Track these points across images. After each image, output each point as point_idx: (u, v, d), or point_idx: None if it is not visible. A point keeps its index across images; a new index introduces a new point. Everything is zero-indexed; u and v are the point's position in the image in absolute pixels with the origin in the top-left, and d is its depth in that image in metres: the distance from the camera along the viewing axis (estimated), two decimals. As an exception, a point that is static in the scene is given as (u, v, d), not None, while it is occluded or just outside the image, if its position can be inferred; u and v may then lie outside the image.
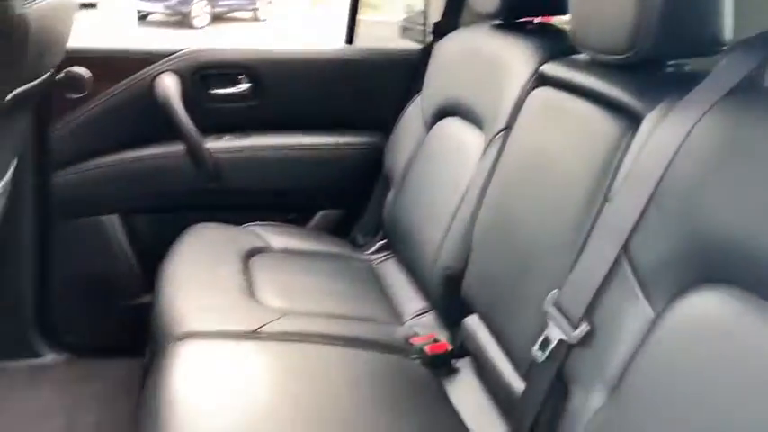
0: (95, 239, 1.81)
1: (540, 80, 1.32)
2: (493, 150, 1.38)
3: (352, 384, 1.21)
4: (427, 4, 2.03)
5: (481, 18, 1.64)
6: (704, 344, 0.79)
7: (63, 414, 1.64)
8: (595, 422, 0.90)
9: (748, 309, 0.75)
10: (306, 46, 2.03)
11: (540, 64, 1.34)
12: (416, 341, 1.37)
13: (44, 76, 1.38)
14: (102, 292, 1.83)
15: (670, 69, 1.09)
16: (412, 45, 2.03)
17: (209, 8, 9.10)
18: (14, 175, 1.49)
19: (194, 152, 1.80)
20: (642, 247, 0.90)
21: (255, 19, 9.34)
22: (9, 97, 1.17)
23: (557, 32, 1.47)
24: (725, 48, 1.00)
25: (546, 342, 0.99)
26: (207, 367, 1.18)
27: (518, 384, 1.10)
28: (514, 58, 1.42)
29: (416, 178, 1.67)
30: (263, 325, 1.30)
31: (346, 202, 1.97)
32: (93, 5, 7.80)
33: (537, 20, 1.55)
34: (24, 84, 1.24)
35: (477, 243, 1.34)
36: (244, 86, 1.85)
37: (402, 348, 1.35)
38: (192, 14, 8.85)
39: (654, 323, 0.86)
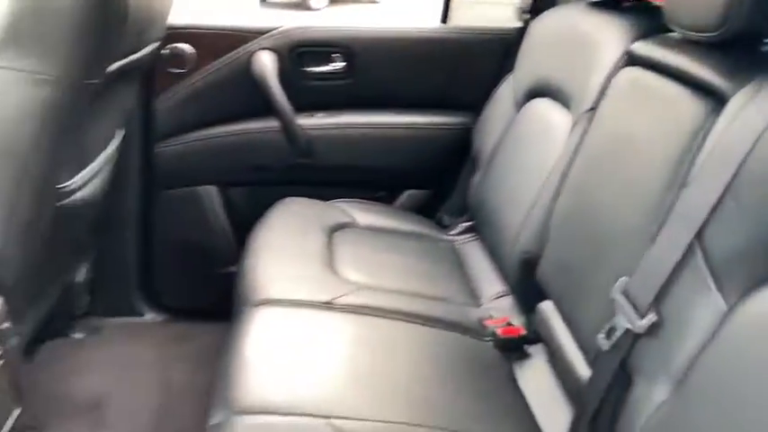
0: (193, 209, 1.90)
1: (630, 59, 1.27)
2: (578, 132, 1.34)
3: (420, 361, 1.22)
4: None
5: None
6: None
7: (158, 369, 1.75)
8: (657, 416, 0.87)
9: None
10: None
11: (631, 43, 1.28)
12: (490, 323, 1.36)
13: (147, 50, 1.46)
14: (198, 258, 1.93)
15: (766, 48, 1.02)
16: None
17: (326, -10, 9.24)
18: (121, 146, 1.58)
19: (288, 128, 1.85)
20: (717, 235, 0.85)
21: (372, 1, 9.42)
22: (112, 68, 1.23)
23: (652, 10, 1.39)
24: None
25: (612, 330, 0.96)
26: (279, 334, 1.22)
27: (585, 372, 1.07)
28: (605, 37, 1.37)
29: (503, 160, 1.64)
30: (338, 297, 1.33)
31: (434, 183, 1.96)
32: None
33: (635, -3, 1.48)
34: (126, 57, 1.31)
35: (555, 228, 1.31)
36: (338, 65, 1.88)
37: (475, 330, 1.35)
38: (310, -4, 9.01)
39: (725, 317, 0.81)
